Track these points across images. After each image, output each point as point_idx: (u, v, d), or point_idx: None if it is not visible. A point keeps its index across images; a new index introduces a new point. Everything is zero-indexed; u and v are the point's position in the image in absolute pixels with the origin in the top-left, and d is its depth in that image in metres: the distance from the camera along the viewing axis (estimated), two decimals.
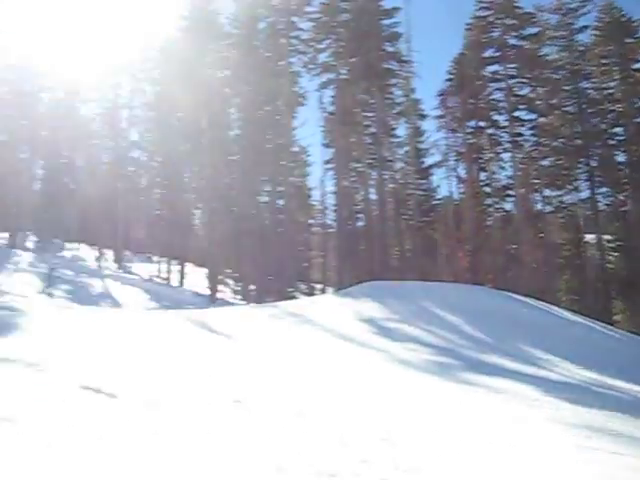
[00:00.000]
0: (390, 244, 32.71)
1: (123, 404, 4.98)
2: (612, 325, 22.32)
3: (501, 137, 33.46)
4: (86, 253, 39.47)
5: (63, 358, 6.73)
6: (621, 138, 32.32)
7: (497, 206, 33.49)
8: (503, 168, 33.45)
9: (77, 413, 4.49)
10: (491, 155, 33.29)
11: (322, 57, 33.62)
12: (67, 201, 37.38)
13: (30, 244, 37.85)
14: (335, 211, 33.55)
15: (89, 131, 39.53)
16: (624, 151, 32.09)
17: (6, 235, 36.51)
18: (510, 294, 20.08)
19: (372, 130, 33.39)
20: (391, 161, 34.34)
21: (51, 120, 37.16)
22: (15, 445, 3.51)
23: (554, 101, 32.76)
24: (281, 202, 32.07)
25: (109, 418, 4.44)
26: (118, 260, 36.47)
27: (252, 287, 31.52)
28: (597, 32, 32.79)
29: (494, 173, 33.38)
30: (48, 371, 5.84)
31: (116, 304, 22.44)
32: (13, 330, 8.75)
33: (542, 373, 11.04)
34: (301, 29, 33.57)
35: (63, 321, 10.68)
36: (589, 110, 32.46)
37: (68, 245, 39.91)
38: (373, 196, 32.99)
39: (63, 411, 4.46)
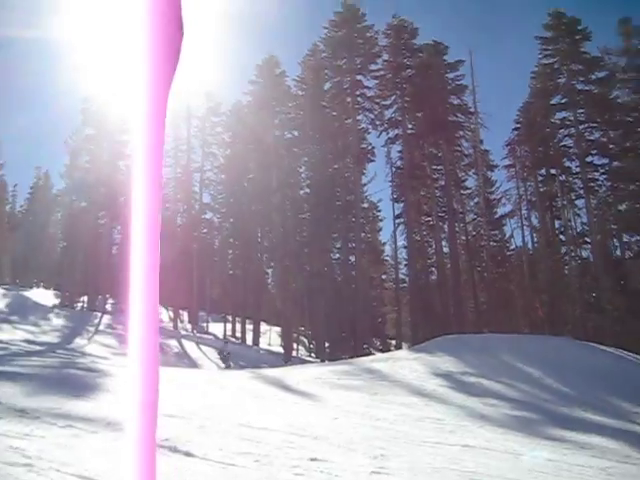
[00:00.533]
0: (464, 297, 32.23)
1: (198, 462, 5.16)
2: None
3: (574, 183, 32.81)
4: (162, 314, 40.39)
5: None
6: None
7: (573, 254, 32.59)
8: (578, 215, 32.70)
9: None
10: (564, 202, 32.62)
11: (388, 113, 34.16)
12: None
13: (109, 306, 39.02)
14: (407, 265, 33.43)
15: (164, 195, 40.70)
16: None
17: (85, 298, 37.82)
18: (592, 344, 19.36)
19: (441, 183, 33.43)
20: (462, 213, 34.18)
21: (128, 186, 38.55)
22: None
23: (628, 144, 31.96)
24: (353, 258, 32.11)
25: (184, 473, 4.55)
26: (193, 320, 37.12)
27: (326, 344, 31.43)
28: None
29: (569, 221, 32.64)
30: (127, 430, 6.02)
31: (193, 364, 22.74)
32: (95, 390, 9.04)
33: (634, 427, 10.52)
34: (367, 87, 34.23)
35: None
36: None
37: None
38: (446, 249, 32.78)
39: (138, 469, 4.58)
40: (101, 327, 29.22)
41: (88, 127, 38.75)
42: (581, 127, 32.15)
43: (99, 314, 33.35)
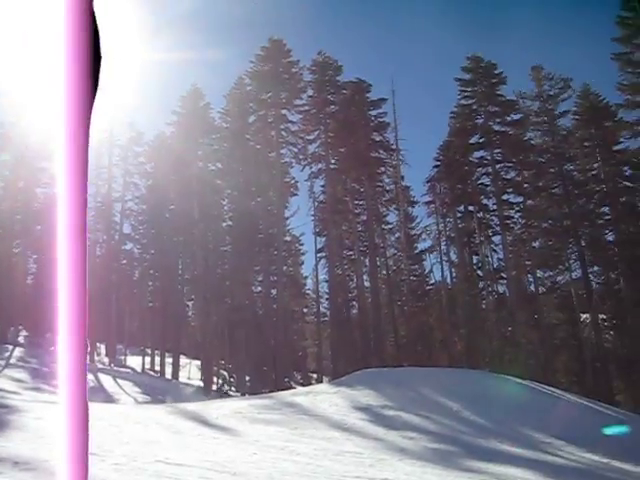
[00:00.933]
0: (384, 331, 32.55)
1: None
2: (613, 405, 21.93)
3: (491, 220, 33.86)
4: None
5: (53, 455, 6.61)
6: (608, 217, 32.66)
7: (490, 289, 33.47)
8: (495, 251, 33.75)
9: None
10: (482, 238, 33.54)
11: (312, 148, 34.58)
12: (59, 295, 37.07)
13: (21, 339, 37.49)
14: (329, 299, 33.59)
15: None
16: (612, 230, 32.40)
17: None
18: (508, 377, 19.79)
19: (363, 218, 33.89)
20: (383, 248, 34.67)
21: (44, 214, 37.47)
22: None
23: (540, 184, 33.25)
24: (274, 291, 32.00)
25: None
26: (111, 353, 36.06)
27: (247, 378, 31.08)
28: (577, 117, 33.66)
29: (486, 256, 33.55)
30: (37, 470, 5.89)
31: (110, 398, 22.12)
32: (3, 428, 8.76)
33: (546, 457, 10.79)
34: (291, 121, 34.56)
35: (55, 417, 10.51)
36: (575, 191, 32.86)
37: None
38: (367, 283, 33.10)
39: None
40: (12, 360, 28.08)
41: (3, 153, 37.47)
42: (497, 166, 33.31)
43: (10, 347, 31.99)
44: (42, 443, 7.56)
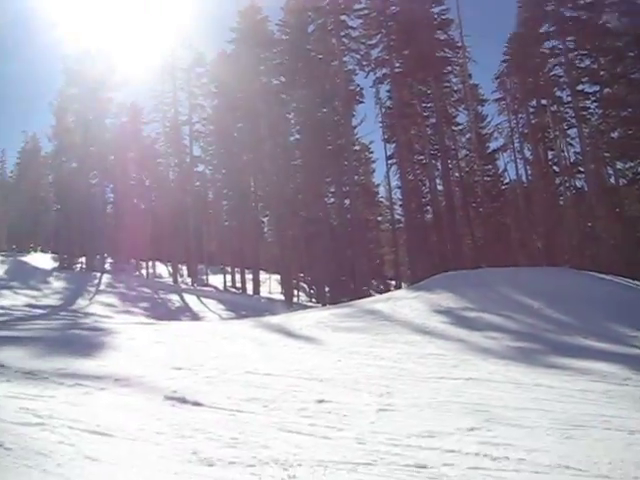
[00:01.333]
0: (461, 234, 32.31)
1: (207, 411, 5.36)
2: None
3: (566, 113, 32.43)
4: (162, 270, 40.57)
5: (151, 372, 7.12)
6: None
7: (568, 184, 32.50)
8: (571, 145, 32.46)
9: (163, 422, 4.88)
10: (556, 133, 32.38)
11: (375, 52, 33.49)
12: (139, 221, 38.36)
13: (107, 266, 39.15)
14: (402, 206, 33.43)
15: (154, 151, 40.54)
16: None
17: (83, 259, 37.93)
18: (590, 273, 19.48)
19: (432, 120, 33.06)
20: (454, 150, 33.97)
21: (117, 144, 38.29)
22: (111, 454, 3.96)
23: (618, 69, 31.51)
24: (347, 202, 32.00)
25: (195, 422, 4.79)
26: (193, 274, 37.32)
27: (326, 288, 31.64)
28: None
29: (562, 151, 32.45)
30: (135, 385, 6.32)
31: (195, 317, 22.91)
32: (101, 349, 9.20)
33: (632, 351, 10.64)
34: (351, 27, 33.49)
35: (146, 337, 11.16)
36: None
37: (143, 264, 41.14)
38: (440, 187, 32.72)
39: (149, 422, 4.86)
40: (101, 287, 29.43)
41: (71, 86, 38.19)
42: (571, 55, 31.56)
43: (98, 274, 33.48)
44: (136, 361, 8.09)
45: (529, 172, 33.98)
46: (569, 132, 32.49)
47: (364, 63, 33.26)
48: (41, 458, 3.79)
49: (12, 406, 5.06)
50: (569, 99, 31.88)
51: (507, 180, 36.34)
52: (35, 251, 49.46)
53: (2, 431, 4.29)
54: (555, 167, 32.94)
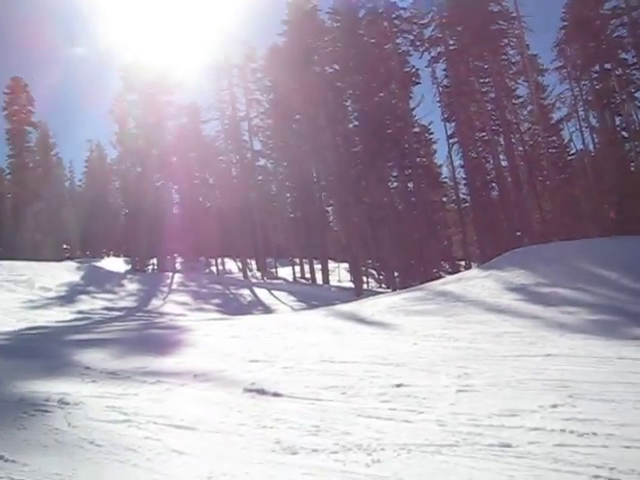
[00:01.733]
0: (529, 209, 31.68)
1: (286, 400, 5.47)
2: None
3: (632, 75, 31.14)
4: (231, 266, 41.25)
5: (224, 367, 7.27)
6: None
7: (639, 149, 31.37)
8: (639, 108, 31.28)
9: (244, 414, 5.05)
10: (623, 97, 31.20)
11: (428, 32, 33.13)
12: (205, 219, 39.07)
13: (178, 265, 40.03)
14: (467, 184, 33.00)
15: (215, 149, 41.19)
16: None
17: (154, 261, 38.86)
18: None
19: (491, 95, 32.41)
20: (516, 124, 33.18)
21: (179, 146, 39.02)
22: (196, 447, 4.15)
23: None
24: (411, 185, 31.77)
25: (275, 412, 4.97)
26: (262, 267, 37.80)
27: (395, 273, 31.56)
28: None
29: (630, 115, 31.28)
30: (213, 380, 6.45)
31: (267, 310, 23.19)
32: (178, 346, 9.40)
33: None
34: (402, 8, 33.14)
35: (221, 332, 11.41)
36: None
37: (212, 261, 41.91)
38: (504, 162, 32.12)
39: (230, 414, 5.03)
40: (174, 286, 30.05)
41: (130, 93, 39.03)
42: (634, 13, 30.36)
43: (170, 274, 34.23)
44: (213, 357, 8.23)
45: (596, 140, 32.88)
46: (637, 95, 31.26)
47: (417, 43, 32.93)
48: (130, 453, 3.99)
49: (99, 405, 5.28)
50: (635, 60, 30.67)
51: (573, 150, 35.18)
52: (108, 256, 50.93)
53: (92, 429, 4.51)
54: (624, 132, 31.79)
